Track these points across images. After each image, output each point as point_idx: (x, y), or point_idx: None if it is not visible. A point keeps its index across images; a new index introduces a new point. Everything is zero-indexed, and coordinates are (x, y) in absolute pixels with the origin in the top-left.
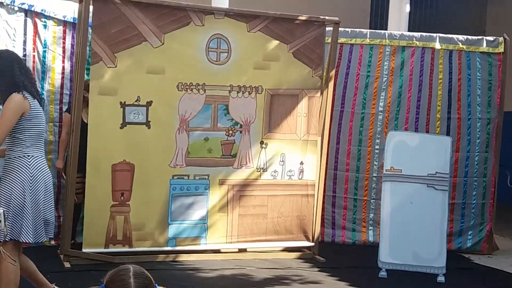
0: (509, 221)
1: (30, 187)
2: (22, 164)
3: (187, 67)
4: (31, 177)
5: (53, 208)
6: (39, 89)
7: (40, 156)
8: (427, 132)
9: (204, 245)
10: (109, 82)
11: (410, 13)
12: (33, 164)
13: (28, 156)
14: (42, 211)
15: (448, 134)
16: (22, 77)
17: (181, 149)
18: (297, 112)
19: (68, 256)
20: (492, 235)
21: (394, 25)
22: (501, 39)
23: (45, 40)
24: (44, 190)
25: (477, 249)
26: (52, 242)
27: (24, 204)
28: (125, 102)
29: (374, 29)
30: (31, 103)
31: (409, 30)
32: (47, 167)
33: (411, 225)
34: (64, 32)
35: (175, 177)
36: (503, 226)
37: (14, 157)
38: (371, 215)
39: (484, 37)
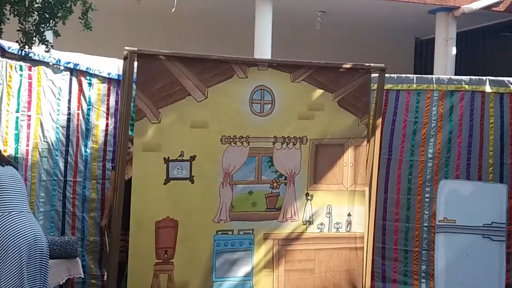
0: None
1: None
2: None
3: (231, 120)
4: None
5: None
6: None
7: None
8: (480, 179)
9: None
10: (153, 138)
11: (455, 55)
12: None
13: None
14: None
15: (501, 180)
16: None
17: (225, 204)
18: (343, 162)
19: None
20: None
21: (441, 68)
22: None
23: (89, 98)
24: None
25: None
26: None
27: None
28: (168, 157)
29: (419, 73)
30: None
31: (455, 73)
32: None
33: (467, 279)
34: (109, 89)
35: (219, 233)
36: None
37: None
38: (423, 267)
39: None
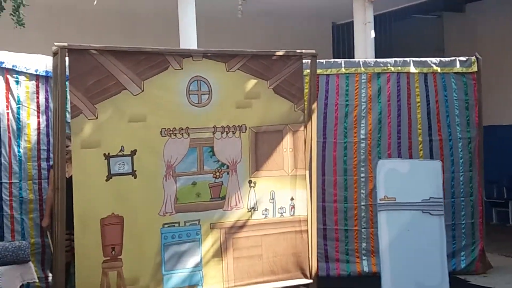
0: (494, 238)
1: None
2: None
3: (169, 112)
4: None
5: None
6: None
7: None
8: (411, 156)
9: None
10: (91, 135)
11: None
12: None
13: None
14: None
15: (431, 156)
16: None
17: (169, 196)
18: (283, 147)
19: None
20: (485, 254)
21: (361, 52)
22: (473, 58)
23: (18, 96)
24: None
25: (471, 269)
26: None
27: None
28: (109, 153)
29: (337, 57)
30: None
31: (375, 57)
32: None
33: (410, 254)
34: (37, 86)
35: (166, 226)
36: (490, 242)
37: None
38: (364, 244)
39: (457, 58)
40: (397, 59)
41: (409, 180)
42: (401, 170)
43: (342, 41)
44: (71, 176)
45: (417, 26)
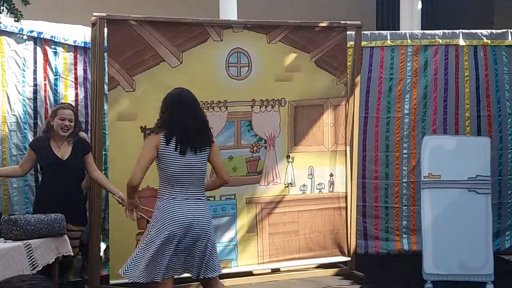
0: None
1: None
2: (159, 205)
3: (208, 85)
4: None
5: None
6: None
7: (172, 199)
8: (457, 132)
9: (235, 268)
10: (128, 107)
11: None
12: (164, 206)
13: (162, 197)
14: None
15: (479, 133)
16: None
17: None
18: (323, 122)
19: None
20: None
21: (407, 23)
22: None
23: (56, 68)
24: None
25: None
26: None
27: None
28: (145, 126)
29: (382, 29)
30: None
31: (422, 29)
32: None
33: (454, 233)
34: (75, 58)
35: None
36: None
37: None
38: (404, 222)
39: (509, 30)
40: (446, 31)
41: (455, 157)
42: (447, 146)
43: (386, 13)
44: None
45: None
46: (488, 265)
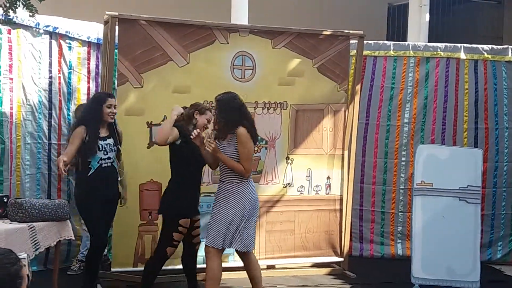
0: None
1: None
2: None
3: (213, 85)
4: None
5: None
6: None
7: (251, 181)
8: (455, 143)
9: (232, 262)
10: (135, 103)
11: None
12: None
13: (243, 181)
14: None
15: (475, 145)
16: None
17: (207, 167)
18: (323, 127)
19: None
20: None
21: (414, 35)
22: None
23: (70, 62)
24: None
25: (507, 260)
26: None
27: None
28: (151, 122)
29: (391, 39)
30: None
31: (428, 40)
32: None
33: (443, 240)
34: (89, 53)
35: (202, 195)
36: None
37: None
38: (399, 228)
39: (510, 46)
40: (448, 44)
41: (447, 167)
42: (441, 156)
43: (397, 23)
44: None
45: (475, 12)
46: (475, 272)
